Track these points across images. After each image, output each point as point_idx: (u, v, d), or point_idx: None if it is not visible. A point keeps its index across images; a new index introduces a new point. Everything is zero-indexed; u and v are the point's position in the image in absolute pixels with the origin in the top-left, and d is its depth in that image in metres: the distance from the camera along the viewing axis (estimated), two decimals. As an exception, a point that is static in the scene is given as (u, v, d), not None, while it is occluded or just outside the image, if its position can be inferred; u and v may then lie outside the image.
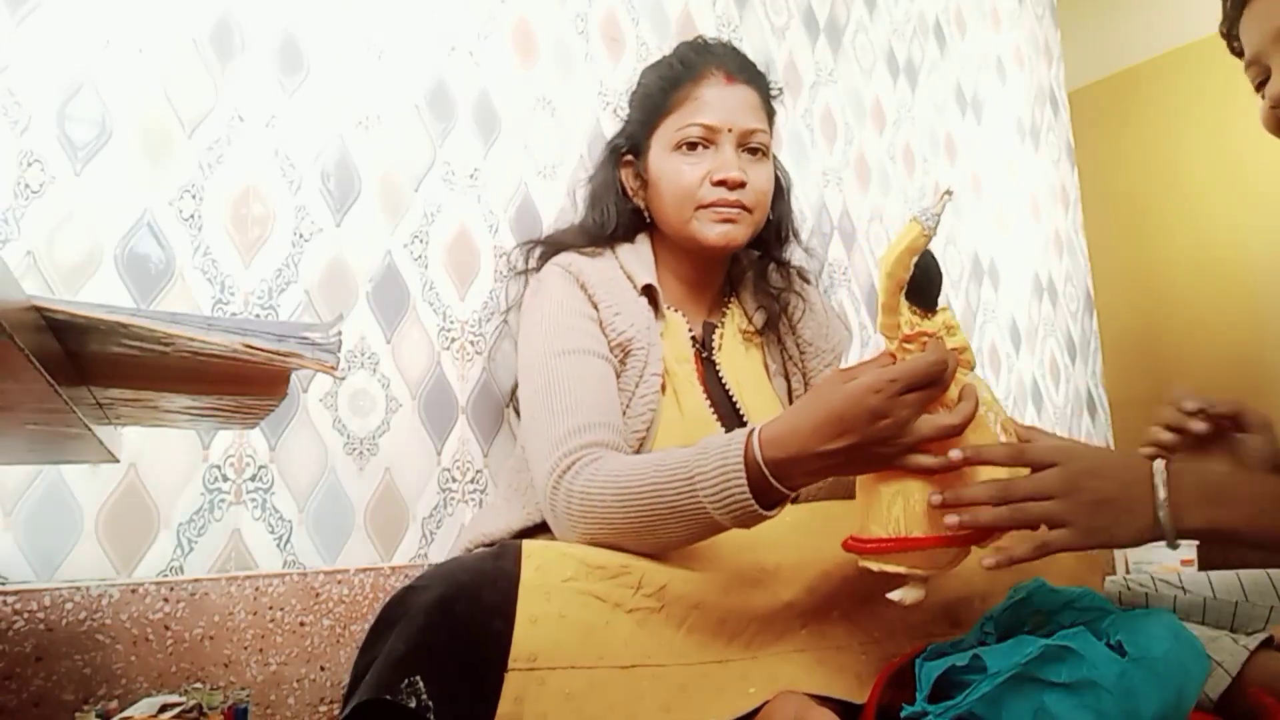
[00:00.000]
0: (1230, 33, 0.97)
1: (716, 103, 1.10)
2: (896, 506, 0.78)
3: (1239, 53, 0.97)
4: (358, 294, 1.22)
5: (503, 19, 1.43)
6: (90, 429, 0.60)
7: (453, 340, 1.29)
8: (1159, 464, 0.75)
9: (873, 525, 0.79)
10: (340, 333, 0.59)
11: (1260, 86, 0.94)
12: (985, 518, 0.76)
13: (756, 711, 0.81)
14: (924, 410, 0.77)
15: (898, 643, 0.89)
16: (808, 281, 1.27)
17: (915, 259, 0.80)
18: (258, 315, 1.12)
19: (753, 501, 0.79)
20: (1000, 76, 2.41)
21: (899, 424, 0.75)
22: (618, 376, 1.07)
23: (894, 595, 0.79)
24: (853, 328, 1.85)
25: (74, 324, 0.49)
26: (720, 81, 1.11)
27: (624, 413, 1.05)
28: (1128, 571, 2.13)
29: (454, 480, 1.26)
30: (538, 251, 1.20)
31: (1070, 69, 2.66)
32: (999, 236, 2.28)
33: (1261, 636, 0.92)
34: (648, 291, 1.12)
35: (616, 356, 1.07)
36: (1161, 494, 0.73)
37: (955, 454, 0.76)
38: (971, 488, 0.77)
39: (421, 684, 0.70)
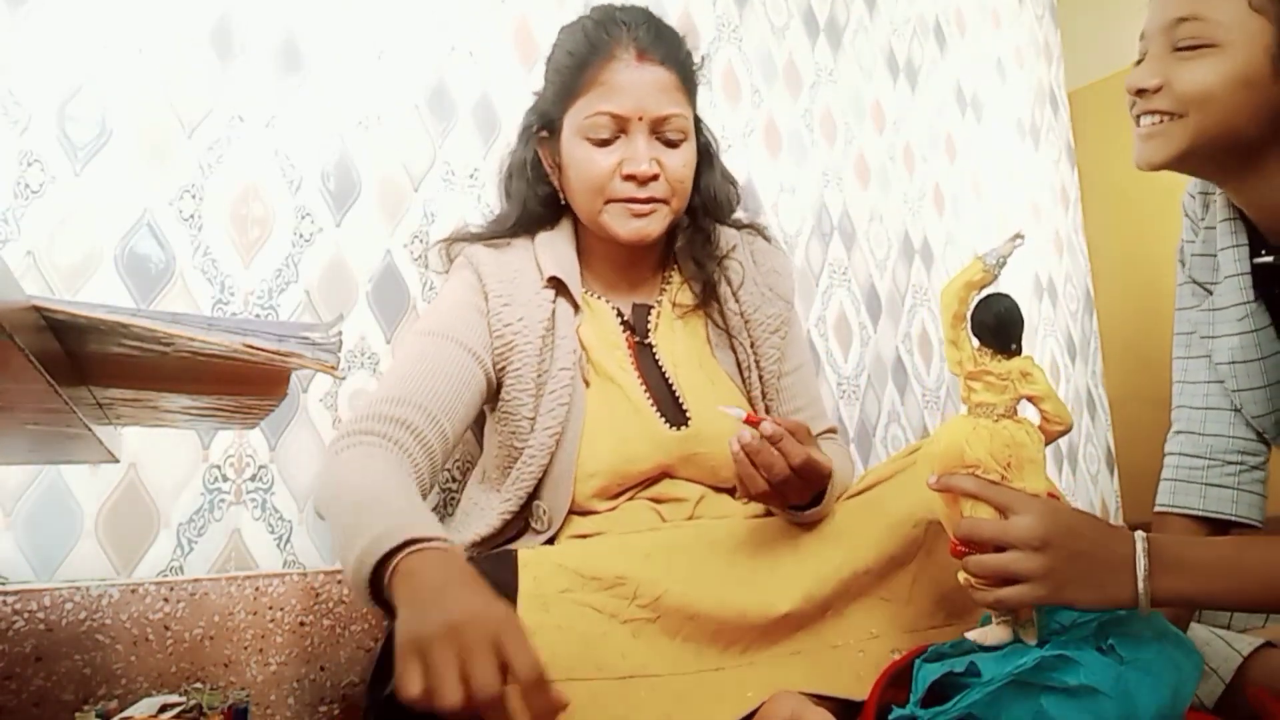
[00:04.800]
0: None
1: (627, 88, 1.01)
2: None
3: None
4: (358, 294, 1.22)
5: (503, 19, 1.43)
6: (90, 429, 0.61)
7: (452, 340, 1.29)
8: (1139, 534, 0.74)
9: None
10: (340, 333, 0.59)
11: (1137, 64, 0.95)
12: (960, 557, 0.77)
13: (755, 713, 0.81)
14: None
15: (895, 639, 0.89)
16: (766, 239, 1.20)
17: (973, 294, 0.81)
18: (258, 315, 1.12)
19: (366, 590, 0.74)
20: (1000, 76, 2.41)
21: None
22: (498, 369, 1.03)
23: (971, 634, 0.78)
24: (852, 328, 1.85)
25: (74, 324, 0.49)
26: (630, 62, 1.01)
27: (534, 411, 1.01)
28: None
29: (454, 480, 1.26)
30: (455, 248, 1.15)
31: (1070, 69, 2.66)
32: (999, 236, 2.28)
33: (1257, 642, 0.92)
34: (554, 283, 1.06)
35: (498, 348, 1.02)
36: (1143, 567, 0.72)
37: (931, 479, 0.78)
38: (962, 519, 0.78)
39: None
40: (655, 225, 1.05)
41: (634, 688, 0.79)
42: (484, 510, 1.03)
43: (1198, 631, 0.97)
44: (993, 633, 0.77)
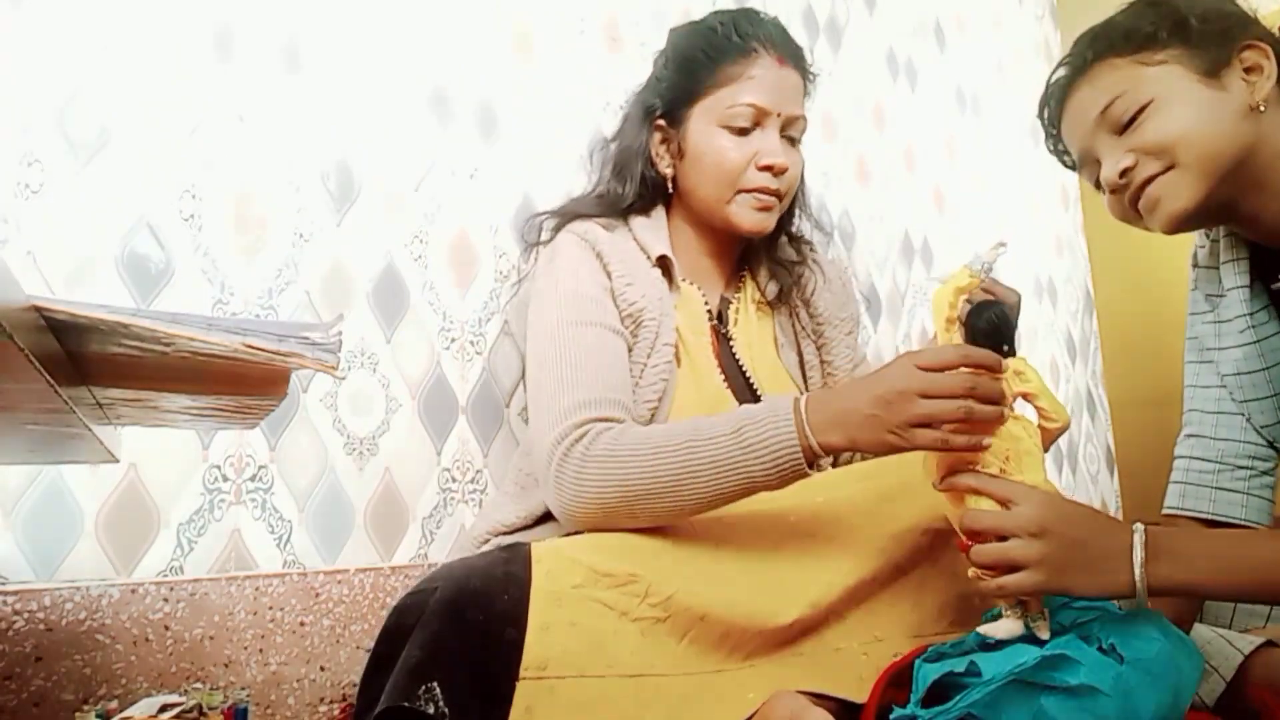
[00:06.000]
0: (1057, 149, 1.01)
1: (770, 85, 1.08)
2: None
3: (1073, 165, 1.01)
4: (358, 294, 1.22)
5: (503, 19, 1.43)
6: (90, 429, 0.60)
7: (453, 340, 1.29)
8: (1139, 525, 0.76)
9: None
10: (340, 333, 0.58)
11: (1100, 185, 0.97)
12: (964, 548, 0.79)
13: (755, 713, 0.81)
14: (962, 416, 0.76)
15: (899, 643, 0.88)
16: (814, 252, 1.26)
17: (963, 298, 0.85)
18: (258, 315, 1.12)
19: (798, 449, 0.81)
20: (1000, 76, 2.41)
21: (906, 396, 0.77)
22: (630, 350, 1.05)
23: (983, 629, 0.79)
24: (853, 328, 1.85)
25: (74, 324, 0.49)
26: (773, 63, 1.09)
27: (636, 384, 1.03)
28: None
29: (454, 480, 1.26)
30: (552, 222, 1.17)
31: (1070, 69, 2.66)
32: (999, 236, 2.28)
33: (1258, 641, 0.92)
34: (661, 262, 1.10)
35: (628, 328, 1.05)
36: (1140, 555, 0.74)
37: (935, 480, 0.80)
38: (961, 510, 0.79)
39: (438, 690, 0.71)
40: (772, 220, 1.12)
41: (642, 686, 0.79)
42: None
43: (1199, 631, 0.97)
44: (1003, 626, 0.78)
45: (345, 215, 1.22)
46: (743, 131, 1.08)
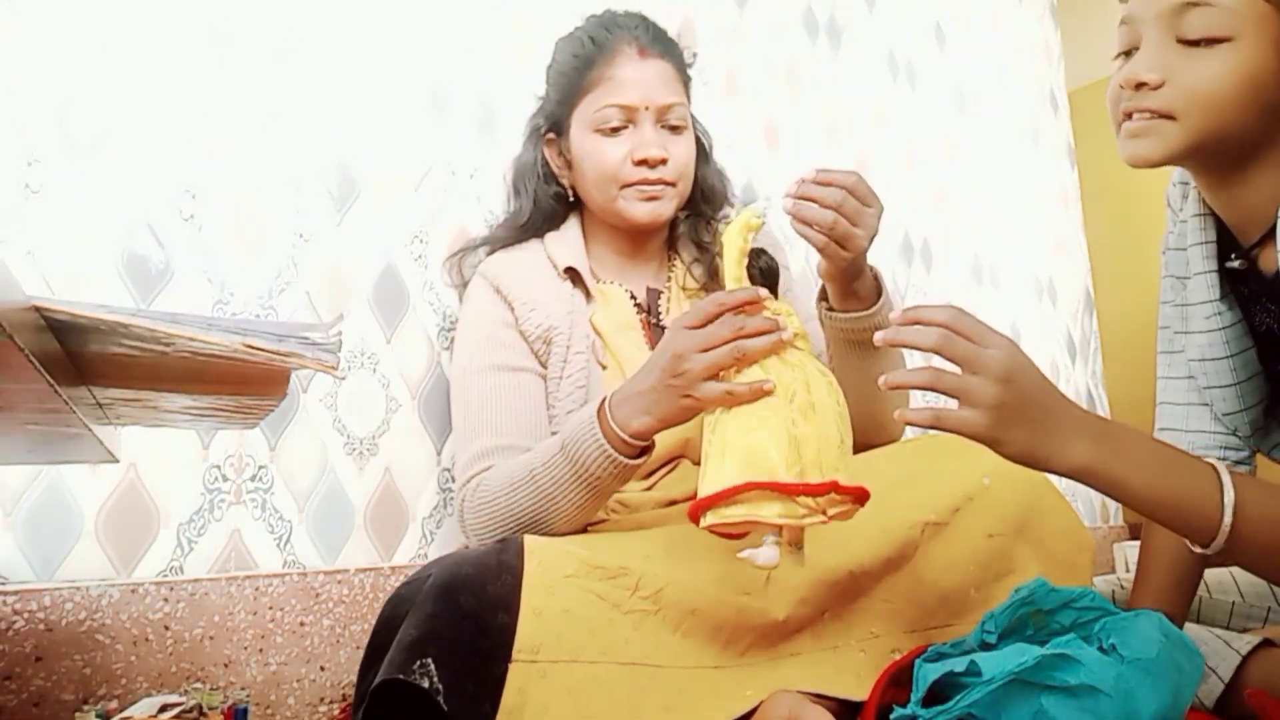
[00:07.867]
0: None
1: (632, 81, 1.09)
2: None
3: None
4: (358, 294, 1.22)
5: (503, 19, 1.43)
6: (90, 429, 0.61)
7: (453, 340, 1.29)
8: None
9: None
10: (340, 333, 0.59)
11: (1124, 54, 0.90)
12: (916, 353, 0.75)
13: (753, 711, 0.81)
14: (738, 356, 0.78)
15: (895, 639, 0.89)
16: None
17: (750, 235, 0.87)
18: (258, 315, 1.12)
19: (609, 450, 0.87)
20: (1000, 76, 2.41)
21: (684, 357, 0.81)
22: (545, 368, 1.09)
23: (743, 554, 0.75)
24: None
25: (74, 324, 0.49)
26: (634, 57, 1.10)
27: (556, 398, 1.07)
28: (1127, 570, 2.12)
29: (454, 480, 1.26)
30: (471, 258, 1.21)
31: (1070, 69, 2.66)
32: (999, 236, 2.28)
33: (1255, 641, 0.92)
34: (570, 273, 1.13)
35: (540, 350, 1.09)
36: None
37: (895, 315, 0.76)
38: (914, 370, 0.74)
39: (433, 666, 0.72)
40: (666, 207, 1.11)
41: (637, 674, 0.79)
42: None
43: (1196, 631, 0.97)
44: (764, 553, 0.75)
45: (345, 215, 1.22)
46: (615, 131, 1.09)
